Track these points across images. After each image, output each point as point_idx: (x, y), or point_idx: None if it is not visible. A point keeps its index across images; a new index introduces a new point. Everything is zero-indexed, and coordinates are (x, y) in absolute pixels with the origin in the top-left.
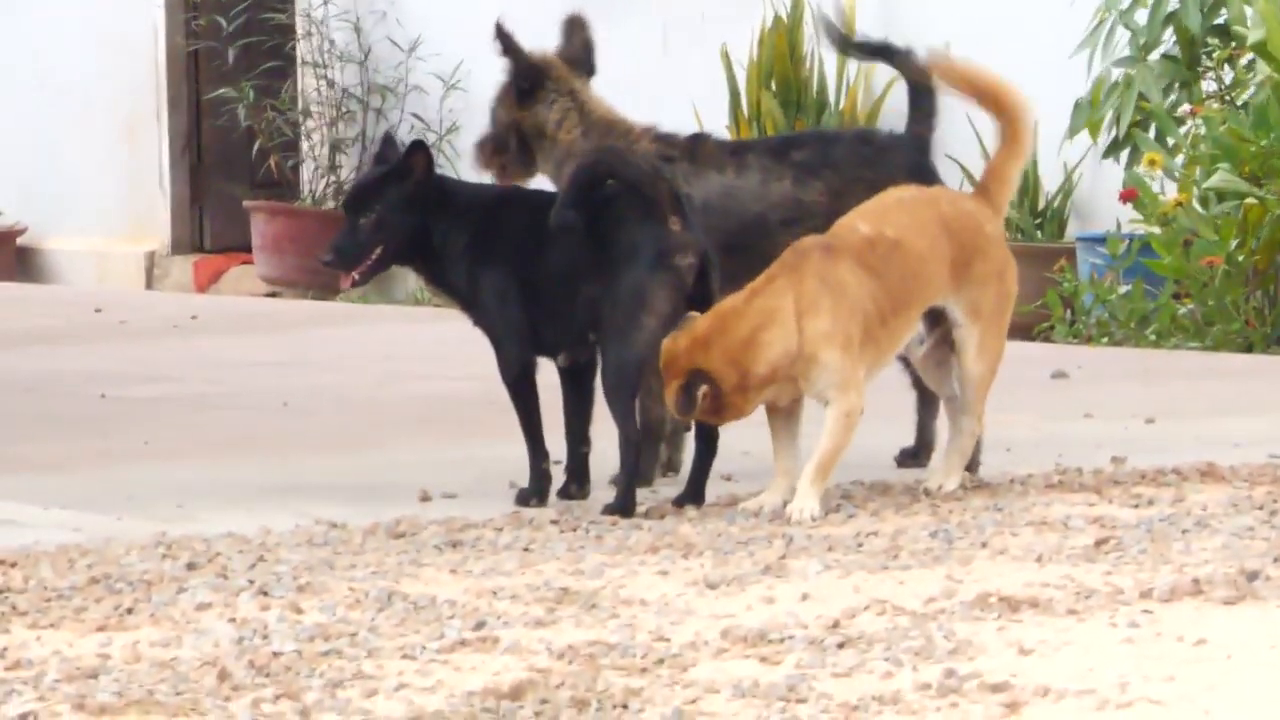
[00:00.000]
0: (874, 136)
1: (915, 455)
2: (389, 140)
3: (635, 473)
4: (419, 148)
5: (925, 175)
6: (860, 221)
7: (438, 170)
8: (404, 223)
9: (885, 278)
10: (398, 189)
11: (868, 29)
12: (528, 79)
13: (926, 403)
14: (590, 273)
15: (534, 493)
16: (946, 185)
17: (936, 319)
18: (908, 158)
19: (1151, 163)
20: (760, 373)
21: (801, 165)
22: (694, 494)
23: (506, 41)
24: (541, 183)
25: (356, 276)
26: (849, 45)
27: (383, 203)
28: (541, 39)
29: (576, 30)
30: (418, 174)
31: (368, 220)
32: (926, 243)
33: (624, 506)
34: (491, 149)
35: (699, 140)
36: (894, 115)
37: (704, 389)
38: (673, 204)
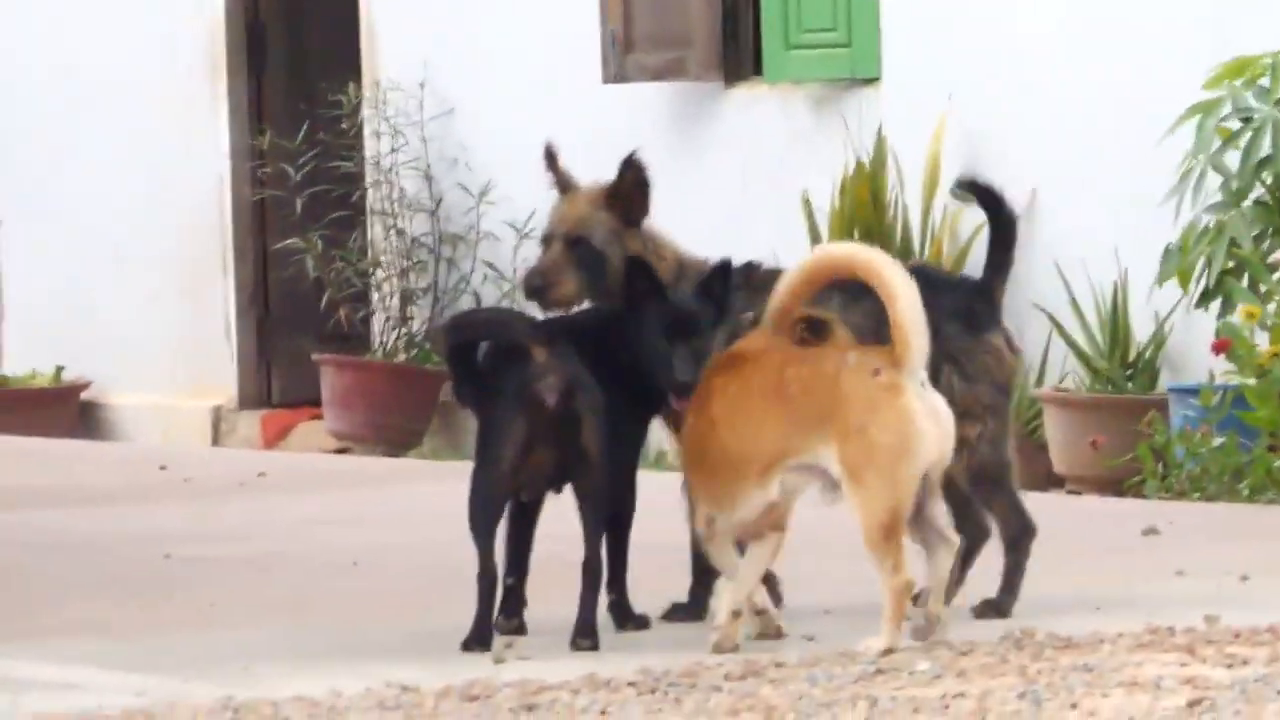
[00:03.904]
0: (928, 274)
1: (995, 607)
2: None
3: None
4: None
5: (974, 321)
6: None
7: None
8: None
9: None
10: None
11: (951, 178)
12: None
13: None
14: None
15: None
16: (998, 331)
17: None
18: (960, 301)
19: (1250, 315)
20: None
21: (847, 292)
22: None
23: (560, 178)
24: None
25: None
26: (974, 187)
27: None
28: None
29: (632, 171)
30: None
31: None
32: (748, 405)
33: (586, 633)
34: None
35: (750, 268)
36: (979, 264)
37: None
38: (537, 337)
